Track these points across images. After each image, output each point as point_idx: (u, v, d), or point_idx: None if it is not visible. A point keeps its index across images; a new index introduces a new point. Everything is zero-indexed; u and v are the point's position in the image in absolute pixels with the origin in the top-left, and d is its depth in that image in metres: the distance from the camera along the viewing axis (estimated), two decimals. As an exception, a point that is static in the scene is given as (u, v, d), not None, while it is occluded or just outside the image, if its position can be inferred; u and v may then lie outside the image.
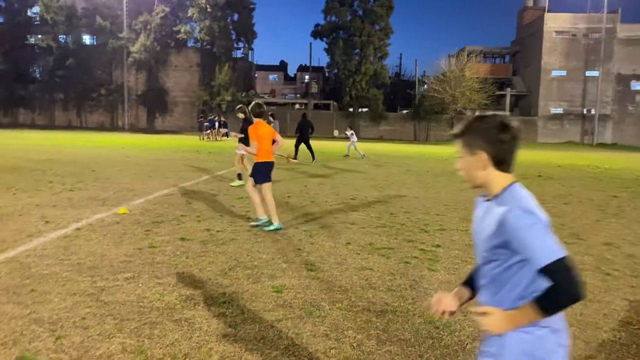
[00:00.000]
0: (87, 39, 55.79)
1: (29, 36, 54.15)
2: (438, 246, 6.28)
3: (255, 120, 7.04)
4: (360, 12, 53.72)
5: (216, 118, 37.11)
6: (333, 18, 53.98)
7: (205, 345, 3.36)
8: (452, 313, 1.89)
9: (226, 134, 34.31)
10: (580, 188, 13.13)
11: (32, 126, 48.44)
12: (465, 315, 3.90)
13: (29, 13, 54.50)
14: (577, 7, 68.94)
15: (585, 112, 54.86)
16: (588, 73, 54.32)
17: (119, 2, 52.40)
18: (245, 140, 9.52)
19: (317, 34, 55.17)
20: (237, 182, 11.17)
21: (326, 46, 54.95)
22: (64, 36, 53.66)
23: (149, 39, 52.25)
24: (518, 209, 1.58)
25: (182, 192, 10.04)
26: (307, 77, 70.69)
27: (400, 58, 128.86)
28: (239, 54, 60.83)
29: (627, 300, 4.54)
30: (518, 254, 1.60)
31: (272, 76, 79.35)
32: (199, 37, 53.45)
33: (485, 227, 1.71)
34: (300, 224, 7.39)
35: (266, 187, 6.96)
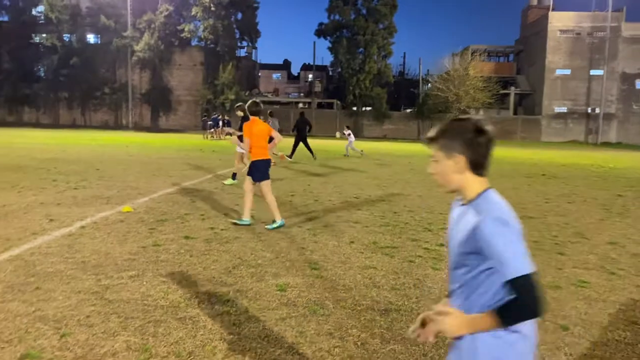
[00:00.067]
0: (91, 38, 55.87)
1: (33, 35, 54.25)
2: (442, 245, 6.26)
3: (251, 118, 7.10)
4: (364, 11, 53.67)
5: (220, 117, 37.14)
6: (337, 17, 53.94)
7: (209, 343, 3.37)
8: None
9: (229, 133, 34.33)
10: (584, 187, 13.09)
11: (37, 125, 48.56)
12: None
13: (33, 12, 54.61)
14: (582, 5, 68.88)
15: (589, 111, 54.66)
16: (592, 72, 54.12)
17: (123, 1, 52.45)
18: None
19: (320, 32, 55.14)
20: (229, 181, 11.24)
21: (330, 45, 54.93)
22: (69, 35, 53.76)
23: (153, 38, 52.34)
24: (491, 219, 1.58)
25: (186, 190, 10.05)
26: (310, 76, 70.59)
27: (404, 57, 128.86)
28: (242, 52, 61.00)
29: (632, 300, 4.52)
30: (488, 262, 1.60)
31: (276, 75, 79.33)
32: (202, 36, 53.51)
33: (459, 233, 1.71)
34: (303, 222, 7.39)
35: (265, 184, 6.97)
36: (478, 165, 1.69)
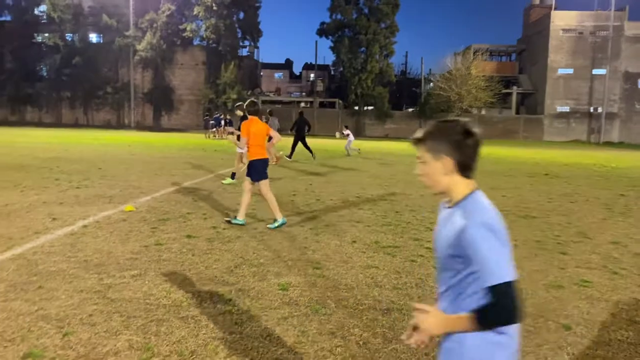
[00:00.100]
0: (93, 37, 55.99)
1: (36, 34, 54.35)
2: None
3: (249, 117, 7.11)
4: (366, 10, 53.61)
5: (222, 116, 37.15)
6: (339, 16, 53.88)
7: (212, 342, 3.37)
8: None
9: (230, 133, 34.37)
10: (586, 187, 13.06)
11: (39, 124, 48.63)
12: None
13: (36, 11, 54.72)
14: (584, 4, 68.73)
15: (592, 110, 54.56)
16: (595, 71, 54.01)
17: (126, 0, 52.57)
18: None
19: (322, 32, 55.09)
20: (227, 180, 11.26)
21: (332, 44, 54.87)
22: (71, 34, 53.85)
23: (155, 37, 52.39)
24: (477, 224, 1.58)
25: (188, 190, 10.06)
26: (312, 75, 70.61)
27: (406, 56, 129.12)
28: (244, 52, 60.96)
29: (634, 299, 4.51)
30: (473, 266, 1.61)
31: (278, 74, 79.40)
32: (204, 36, 53.53)
33: (445, 235, 1.71)
34: (305, 222, 7.39)
35: (263, 184, 6.97)
36: (465, 167, 1.69)
